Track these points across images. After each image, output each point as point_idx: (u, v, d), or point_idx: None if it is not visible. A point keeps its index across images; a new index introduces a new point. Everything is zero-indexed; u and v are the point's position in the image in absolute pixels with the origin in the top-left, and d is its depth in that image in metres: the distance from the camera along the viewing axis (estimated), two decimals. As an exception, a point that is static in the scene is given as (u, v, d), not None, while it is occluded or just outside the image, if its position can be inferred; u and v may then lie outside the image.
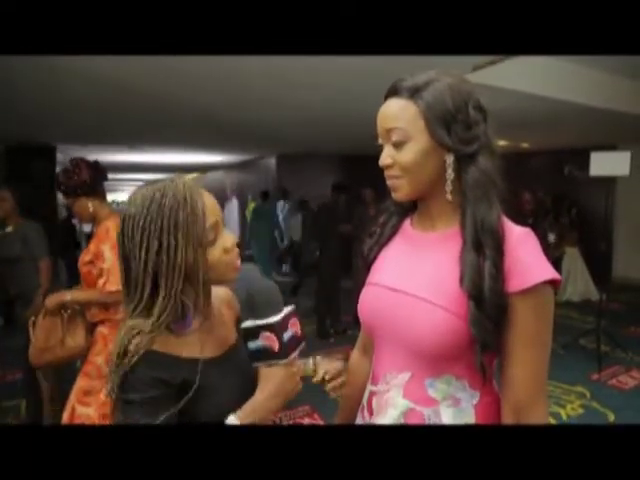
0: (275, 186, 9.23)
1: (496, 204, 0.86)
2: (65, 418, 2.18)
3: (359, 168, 9.12)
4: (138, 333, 0.82)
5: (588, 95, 3.83)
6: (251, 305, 0.90)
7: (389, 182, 0.91)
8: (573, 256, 6.43)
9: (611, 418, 3.23)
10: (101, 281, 2.10)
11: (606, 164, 4.10)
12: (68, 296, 2.11)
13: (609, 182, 4.90)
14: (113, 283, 2.06)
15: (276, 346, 0.86)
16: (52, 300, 2.09)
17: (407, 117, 0.85)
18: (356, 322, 1.04)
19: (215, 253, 0.88)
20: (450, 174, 0.87)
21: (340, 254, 5.17)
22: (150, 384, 0.81)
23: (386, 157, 0.89)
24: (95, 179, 2.21)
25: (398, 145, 0.87)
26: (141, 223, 0.83)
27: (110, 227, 2.14)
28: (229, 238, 0.91)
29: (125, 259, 0.86)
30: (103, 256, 2.10)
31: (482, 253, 0.83)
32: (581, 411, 3.34)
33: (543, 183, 7.73)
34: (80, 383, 2.19)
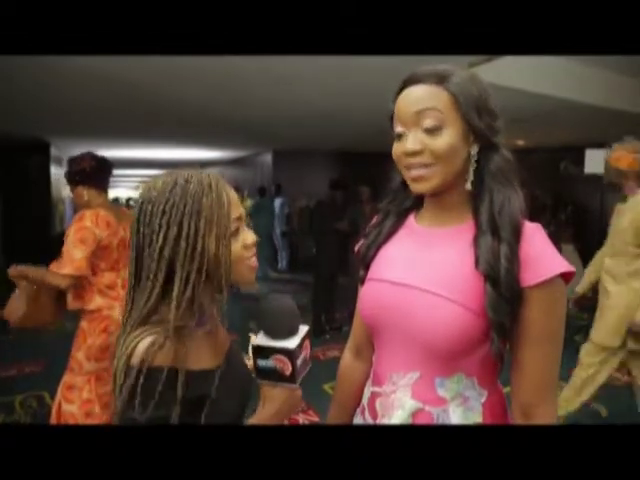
0: (270, 183, 9.22)
1: (518, 191, 0.86)
2: (53, 414, 2.22)
3: (355, 165, 9.13)
4: (160, 348, 0.76)
5: (584, 92, 3.85)
6: (265, 320, 0.86)
7: (415, 172, 0.85)
8: (569, 253, 6.46)
9: (604, 414, 3.26)
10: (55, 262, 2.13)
11: (601, 161, 4.10)
12: (13, 270, 2.10)
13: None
14: (60, 265, 2.09)
15: (288, 371, 0.82)
16: (12, 271, 2.12)
17: (441, 101, 0.82)
18: (351, 318, 1.05)
19: (237, 247, 0.85)
20: (473, 164, 0.87)
21: (337, 251, 5.17)
22: (169, 401, 0.76)
23: (416, 142, 0.83)
24: (95, 170, 2.28)
25: (432, 130, 0.82)
26: (162, 207, 0.79)
27: (86, 215, 2.18)
28: (250, 235, 0.88)
29: (138, 248, 0.82)
30: (67, 238, 2.14)
31: (498, 236, 0.82)
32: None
33: (539, 180, 7.75)
34: (65, 378, 2.22)
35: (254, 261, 0.89)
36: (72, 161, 2.29)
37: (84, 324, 2.22)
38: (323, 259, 5.17)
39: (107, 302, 2.23)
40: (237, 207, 0.86)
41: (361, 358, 1.10)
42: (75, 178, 2.26)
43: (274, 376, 0.84)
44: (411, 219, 0.99)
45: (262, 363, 0.84)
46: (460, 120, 0.83)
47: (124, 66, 3.03)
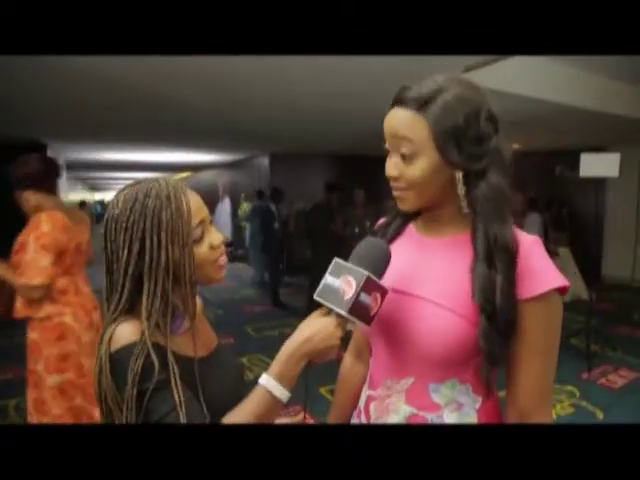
0: (267, 185, 9.22)
1: (509, 219, 0.84)
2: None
3: (352, 168, 9.15)
4: (139, 330, 0.81)
5: (581, 97, 3.87)
6: (356, 249, 0.87)
7: (395, 193, 0.89)
8: (564, 256, 6.48)
9: (600, 417, 3.26)
10: (18, 272, 2.02)
11: (596, 165, 4.14)
12: None
13: (599, 183, 4.95)
14: (27, 276, 2.00)
15: (347, 296, 0.79)
16: None
17: (416, 131, 0.80)
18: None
19: (202, 251, 0.88)
20: (461, 188, 0.85)
21: (332, 253, 5.17)
22: (159, 373, 0.79)
23: (392, 168, 0.86)
24: (43, 173, 2.15)
25: (406, 158, 0.83)
26: (124, 224, 0.83)
27: (43, 219, 2.07)
28: (216, 236, 0.91)
29: (108, 261, 0.86)
30: (27, 247, 2.03)
31: (494, 268, 0.82)
32: (571, 410, 3.37)
33: (535, 184, 7.80)
34: (32, 395, 2.14)
35: (223, 260, 0.92)
36: (17, 164, 2.14)
37: (34, 335, 2.11)
38: (319, 262, 5.17)
39: (57, 309, 2.13)
40: (198, 213, 0.88)
41: (361, 361, 1.10)
42: (24, 183, 2.12)
43: (333, 296, 0.81)
44: (411, 226, 1.00)
45: (330, 279, 0.83)
46: (436, 151, 0.81)
47: (122, 68, 3.03)
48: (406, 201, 0.88)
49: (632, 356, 4.41)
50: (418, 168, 0.82)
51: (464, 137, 0.80)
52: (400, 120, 0.82)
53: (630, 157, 6.42)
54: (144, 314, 0.82)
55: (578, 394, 3.62)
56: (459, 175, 0.84)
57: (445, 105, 0.79)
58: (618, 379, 3.92)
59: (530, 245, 0.84)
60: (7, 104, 4.17)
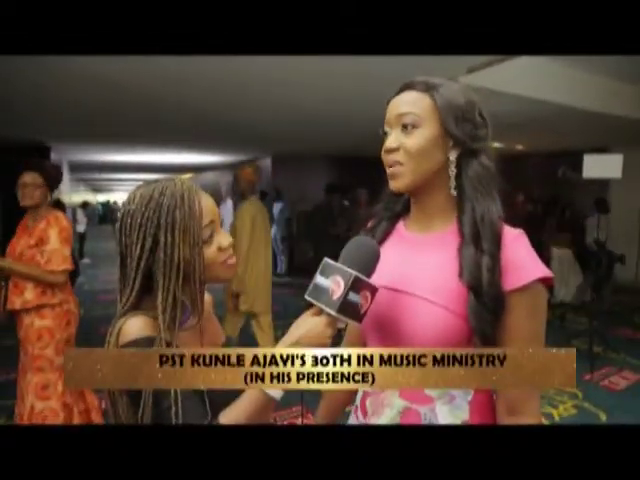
0: (270, 187, 9.23)
1: (497, 200, 0.89)
2: (25, 418, 2.28)
3: (354, 169, 9.15)
4: (147, 323, 0.84)
5: (580, 98, 3.86)
6: (345, 248, 0.88)
7: (390, 170, 0.91)
8: (567, 257, 6.46)
9: (603, 418, 3.25)
10: (42, 260, 2.28)
11: (599, 167, 4.13)
12: (5, 263, 2.29)
13: (602, 184, 4.93)
14: (54, 263, 2.28)
15: (337, 294, 0.80)
16: None
17: (421, 106, 0.88)
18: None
19: (210, 251, 0.90)
20: (453, 170, 0.90)
21: (334, 254, 5.18)
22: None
23: (393, 141, 0.89)
24: (58, 182, 2.55)
25: (408, 129, 0.87)
26: (139, 220, 0.86)
27: (61, 215, 2.42)
28: (225, 237, 0.93)
29: (121, 256, 0.89)
30: (49, 239, 2.31)
31: (480, 247, 0.85)
32: (573, 412, 3.36)
33: (537, 185, 7.78)
34: (35, 380, 2.29)
35: (231, 261, 0.94)
36: (53, 166, 2.59)
37: (47, 322, 2.31)
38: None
39: (65, 296, 2.40)
40: (209, 213, 0.90)
41: None
42: (54, 183, 2.48)
43: (323, 298, 0.81)
44: (400, 225, 1.02)
45: (320, 279, 0.83)
46: (437, 125, 0.88)
47: (123, 69, 3.04)
48: (401, 176, 0.89)
49: (635, 358, 4.39)
50: (419, 136, 0.87)
51: (463, 117, 0.88)
52: (406, 99, 0.89)
53: (633, 158, 6.40)
54: (160, 308, 0.84)
55: (580, 396, 3.60)
56: (453, 156, 0.89)
57: (450, 89, 0.89)
58: (621, 381, 3.91)
59: (514, 238, 0.87)
60: (10, 105, 4.19)
